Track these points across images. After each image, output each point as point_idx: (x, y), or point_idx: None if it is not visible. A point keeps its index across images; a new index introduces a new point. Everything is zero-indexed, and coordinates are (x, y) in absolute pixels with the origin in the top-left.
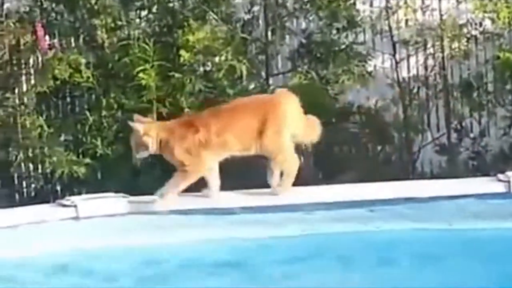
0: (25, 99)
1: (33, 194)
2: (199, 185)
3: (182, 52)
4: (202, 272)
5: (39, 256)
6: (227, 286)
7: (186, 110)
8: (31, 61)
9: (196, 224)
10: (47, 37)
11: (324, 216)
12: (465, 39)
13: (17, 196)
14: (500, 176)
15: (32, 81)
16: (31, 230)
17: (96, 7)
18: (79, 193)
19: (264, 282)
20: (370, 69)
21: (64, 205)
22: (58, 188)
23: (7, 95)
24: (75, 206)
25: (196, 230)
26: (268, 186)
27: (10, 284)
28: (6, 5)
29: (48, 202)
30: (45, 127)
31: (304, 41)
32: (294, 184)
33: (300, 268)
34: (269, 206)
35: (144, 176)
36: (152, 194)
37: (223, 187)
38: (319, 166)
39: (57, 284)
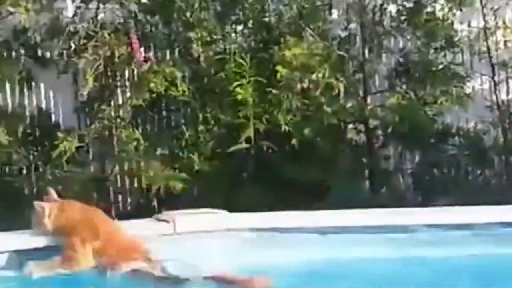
0: (121, 112)
1: (129, 208)
2: None
3: (278, 68)
4: None
5: None
6: None
7: (284, 127)
8: (126, 73)
9: (297, 241)
10: (142, 49)
11: (423, 238)
12: None
13: (113, 210)
14: None
15: (128, 94)
16: None
17: (191, 20)
18: (176, 208)
19: None
20: (468, 90)
21: (162, 220)
22: (155, 203)
23: (103, 107)
24: (172, 221)
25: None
26: None
27: None
28: (100, 16)
29: (144, 217)
30: (141, 141)
31: (401, 60)
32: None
33: None
34: (367, 226)
35: (242, 193)
36: (251, 210)
37: None
38: (418, 188)
39: None
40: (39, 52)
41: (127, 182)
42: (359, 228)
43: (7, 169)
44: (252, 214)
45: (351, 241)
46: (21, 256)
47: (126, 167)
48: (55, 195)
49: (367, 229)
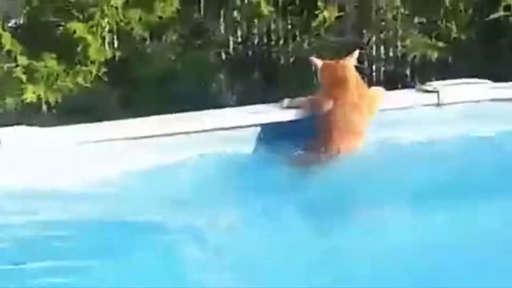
0: None
1: (381, 77)
2: None
3: None
4: None
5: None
6: None
7: None
8: None
9: None
10: None
11: None
12: None
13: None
14: None
15: None
16: (393, 115)
17: None
18: (429, 78)
19: None
20: None
21: (426, 91)
22: (408, 71)
23: None
24: (437, 91)
25: None
26: None
27: None
28: None
29: (398, 85)
30: (401, 9)
31: None
32: None
33: None
34: None
35: (497, 63)
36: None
37: None
38: None
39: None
40: None
41: (383, 51)
42: None
43: (265, 39)
44: None
45: None
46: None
47: (383, 36)
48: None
49: None
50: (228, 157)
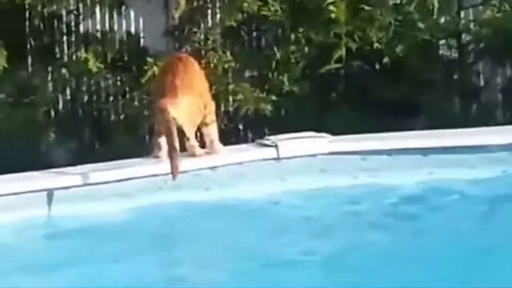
0: (211, 34)
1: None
2: None
3: None
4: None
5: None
6: None
7: (376, 44)
8: None
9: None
10: None
11: None
12: None
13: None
14: None
15: (219, 15)
16: (231, 171)
17: None
18: (263, 132)
19: None
20: None
21: (265, 145)
22: (241, 126)
23: (194, 29)
24: (275, 146)
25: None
26: None
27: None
28: None
29: (231, 140)
30: (232, 63)
31: None
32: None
33: None
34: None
35: (330, 115)
36: (341, 132)
37: None
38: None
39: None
40: None
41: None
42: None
43: (95, 97)
44: (356, 136)
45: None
46: None
47: (214, 91)
48: None
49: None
50: None
